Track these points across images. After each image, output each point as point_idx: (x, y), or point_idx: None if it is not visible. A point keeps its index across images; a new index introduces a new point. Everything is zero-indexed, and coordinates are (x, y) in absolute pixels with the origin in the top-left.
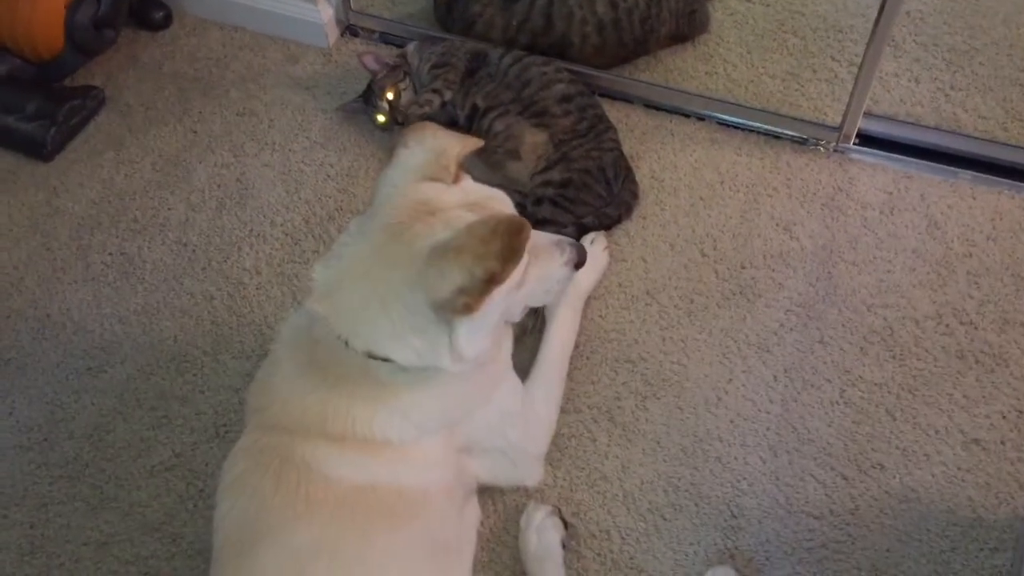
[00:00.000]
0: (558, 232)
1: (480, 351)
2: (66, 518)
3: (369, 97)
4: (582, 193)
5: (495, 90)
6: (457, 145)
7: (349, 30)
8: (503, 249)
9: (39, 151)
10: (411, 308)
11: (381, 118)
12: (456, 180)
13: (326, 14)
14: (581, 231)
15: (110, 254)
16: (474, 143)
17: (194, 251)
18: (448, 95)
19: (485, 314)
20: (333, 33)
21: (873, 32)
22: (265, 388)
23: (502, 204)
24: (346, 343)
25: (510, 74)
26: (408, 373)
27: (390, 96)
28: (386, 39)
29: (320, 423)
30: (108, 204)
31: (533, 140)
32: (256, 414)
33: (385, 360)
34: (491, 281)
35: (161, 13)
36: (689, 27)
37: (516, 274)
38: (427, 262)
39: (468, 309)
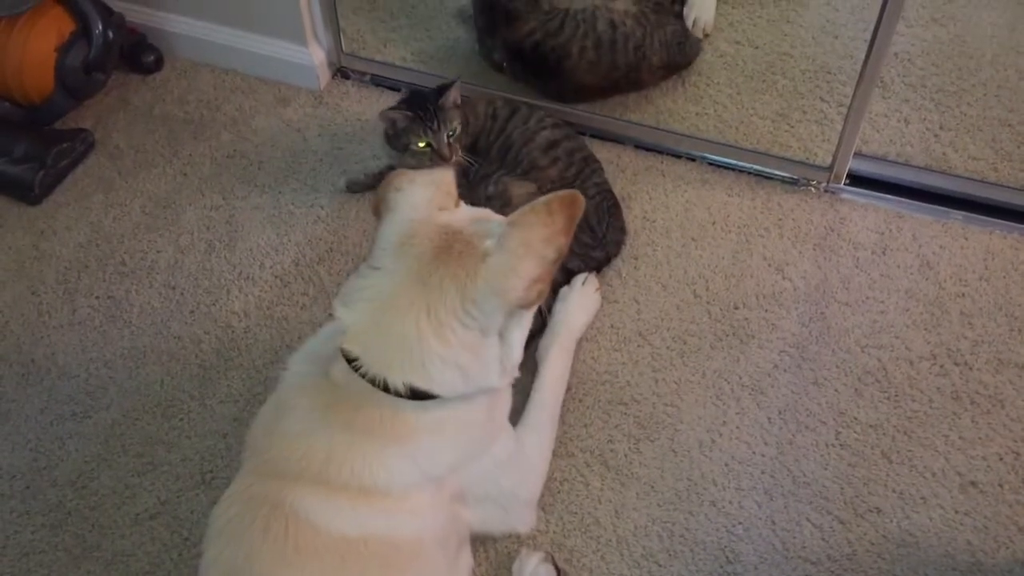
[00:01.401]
0: None
1: (522, 352)
2: (48, 568)
3: (427, 117)
4: None
5: (482, 167)
6: (447, 174)
7: (340, 72)
8: (566, 222)
9: (27, 194)
10: (469, 325)
11: (421, 144)
12: (457, 204)
13: (318, 57)
14: (568, 275)
15: (97, 298)
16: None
17: (182, 294)
18: None
19: None
20: (324, 76)
21: (861, 73)
22: (269, 433)
23: (495, 215)
24: (384, 383)
25: (494, 150)
26: (435, 412)
27: (456, 129)
28: (377, 81)
29: (321, 470)
30: (96, 247)
31: (520, 192)
32: (253, 458)
33: (424, 396)
34: (559, 258)
35: (152, 57)
36: (680, 56)
37: None
38: (496, 269)
39: (542, 295)
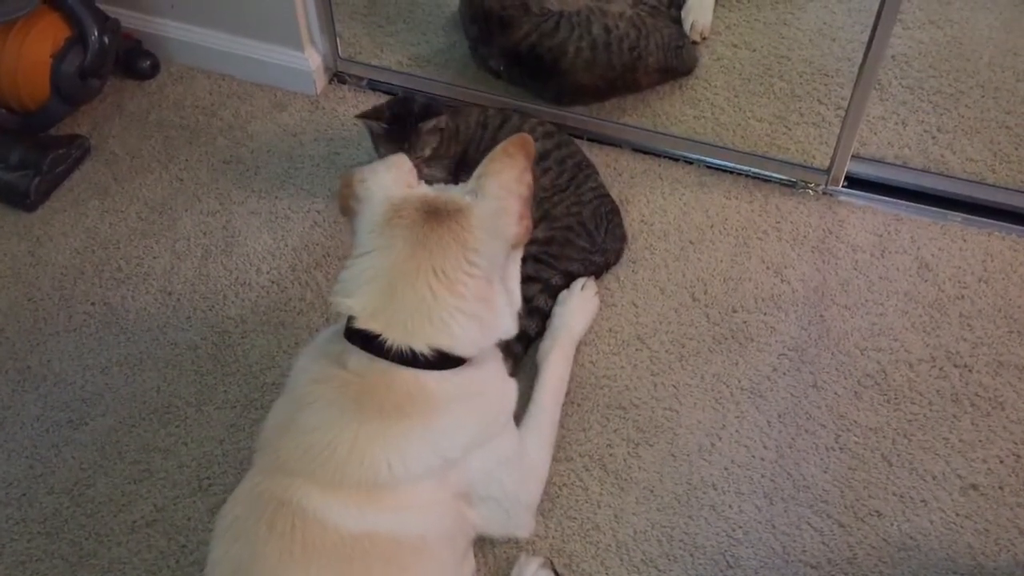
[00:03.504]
0: (545, 283)
1: (520, 296)
2: None
3: (400, 136)
4: (565, 249)
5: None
6: (401, 156)
7: (337, 77)
8: (526, 159)
9: (22, 201)
10: (476, 274)
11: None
12: (417, 183)
13: (314, 62)
14: (569, 278)
15: (93, 304)
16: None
17: (178, 300)
18: None
19: None
20: (321, 81)
21: (859, 75)
22: (285, 429)
23: (451, 186)
24: (411, 352)
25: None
26: (455, 380)
27: (427, 152)
28: (374, 86)
29: (338, 463)
30: (92, 253)
31: None
32: (264, 456)
33: (446, 360)
34: (531, 193)
35: (148, 62)
36: (676, 61)
37: None
38: (486, 215)
39: (529, 230)
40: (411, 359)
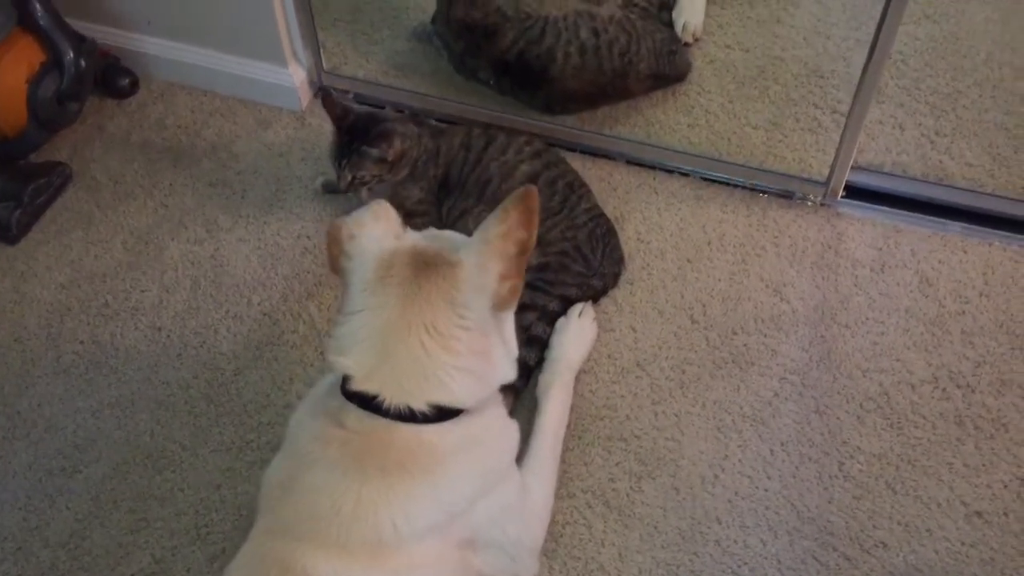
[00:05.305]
0: (542, 310)
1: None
2: None
3: (343, 151)
4: (560, 274)
5: (457, 201)
6: (383, 205)
7: (323, 91)
8: (521, 215)
9: (4, 234)
10: (470, 327)
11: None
12: (405, 231)
13: (298, 77)
14: (566, 304)
15: (81, 343)
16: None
17: (168, 336)
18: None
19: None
20: (306, 95)
21: (859, 85)
22: (288, 489)
23: (446, 232)
24: (409, 411)
25: (469, 182)
26: (457, 431)
27: (366, 179)
28: (360, 100)
29: (342, 524)
30: (78, 288)
31: None
32: (267, 516)
33: (447, 413)
34: (523, 252)
35: (127, 80)
36: (669, 67)
37: None
38: (472, 270)
39: (515, 291)
40: (410, 416)
